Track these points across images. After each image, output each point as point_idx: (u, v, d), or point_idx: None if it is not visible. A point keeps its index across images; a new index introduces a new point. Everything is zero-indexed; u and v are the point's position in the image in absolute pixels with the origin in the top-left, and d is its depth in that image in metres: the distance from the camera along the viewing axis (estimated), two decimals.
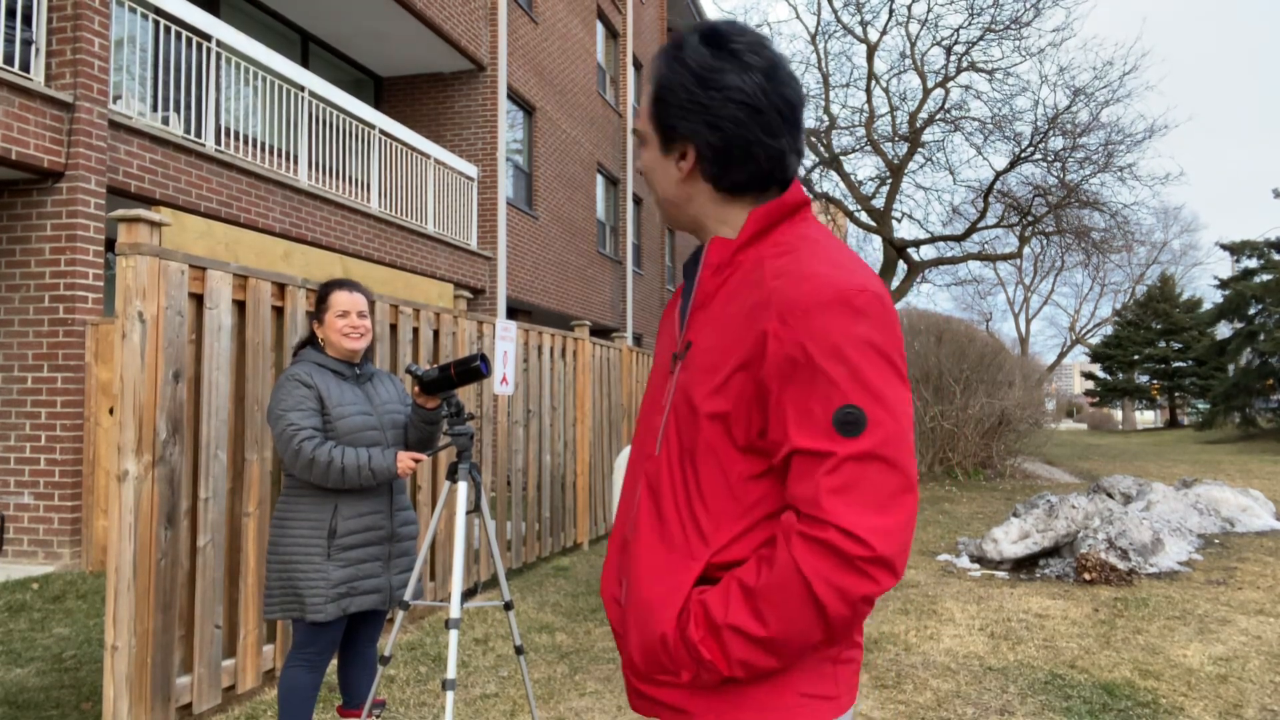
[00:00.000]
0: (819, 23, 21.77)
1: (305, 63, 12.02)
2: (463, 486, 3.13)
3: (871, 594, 1.12)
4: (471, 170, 13.09)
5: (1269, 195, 27.02)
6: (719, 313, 1.24)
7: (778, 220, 1.28)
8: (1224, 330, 32.06)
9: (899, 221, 22.78)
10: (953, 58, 20.71)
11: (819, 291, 1.14)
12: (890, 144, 21.83)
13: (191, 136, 8.23)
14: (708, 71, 1.22)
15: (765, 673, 1.18)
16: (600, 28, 19.48)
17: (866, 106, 21.64)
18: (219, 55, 8.65)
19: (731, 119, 1.22)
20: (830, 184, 23.91)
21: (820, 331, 1.13)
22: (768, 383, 1.16)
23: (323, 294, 3.12)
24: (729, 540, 1.21)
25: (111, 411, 6.69)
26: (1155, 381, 42.78)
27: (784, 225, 1.29)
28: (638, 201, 21.87)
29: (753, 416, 1.19)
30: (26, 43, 6.81)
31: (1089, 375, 47.22)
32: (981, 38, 20.31)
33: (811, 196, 23.01)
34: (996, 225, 22.42)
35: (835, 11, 21.41)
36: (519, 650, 3.36)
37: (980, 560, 7.08)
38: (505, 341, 6.12)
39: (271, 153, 10.04)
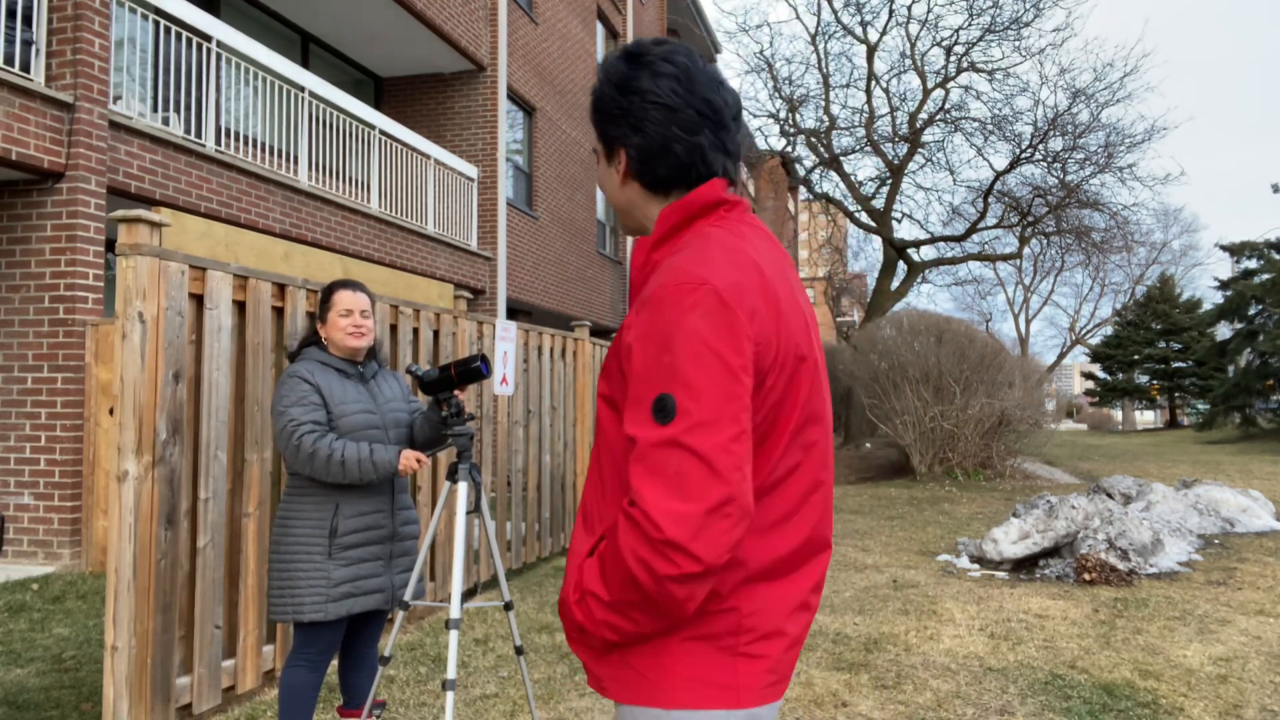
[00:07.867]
0: (819, 23, 21.75)
1: (305, 63, 12.02)
2: (463, 487, 3.13)
3: (672, 574, 1.16)
4: (471, 171, 13.09)
5: (1269, 195, 26.99)
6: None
7: (691, 218, 1.36)
8: (1224, 331, 32.05)
9: (899, 222, 22.77)
10: (952, 58, 20.71)
11: (666, 285, 1.22)
12: (890, 144, 21.81)
13: (191, 137, 8.23)
14: (625, 80, 1.37)
15: (633, 636, 1.24)
16: (600, 28, 19.48)
17: (866, 107, 21.62)
18: (219, 56, 8.65)
19: (650, 119, 1.35)
20: (830, 184, 23.91)
21: (655, 321, 1.21)
22: (624, 368, 1.27)
23: (326, 293, 3.14)
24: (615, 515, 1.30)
25: (111, 412, 6.69)
26: (1155, 382, 42.77)
27: (698, 223, 1.36)
28: None
29: (625, 400, 1.28)
30: (26, 43, 6.81)
31: (1089, 375, 47.20)
32: (981, 38, 20.29)
33: (814, 197, 23.01)
34: (996, 226, 22.38)
35: (835, 12, 21.40)
36: (519, 650, 3.36)
37: (980, 561, 7.08)
38: (505, 342, 6.12)
39: (271, 153, 10.04)
